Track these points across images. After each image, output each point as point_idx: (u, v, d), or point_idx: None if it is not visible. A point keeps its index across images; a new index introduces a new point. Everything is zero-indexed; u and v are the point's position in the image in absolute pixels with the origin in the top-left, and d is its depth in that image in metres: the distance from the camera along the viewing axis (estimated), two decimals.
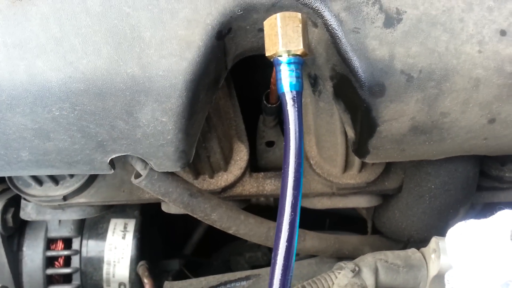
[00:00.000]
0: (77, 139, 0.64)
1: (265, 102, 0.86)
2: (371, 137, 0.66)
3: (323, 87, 0.78)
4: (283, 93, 0.52)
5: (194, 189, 0.77)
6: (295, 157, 0.49)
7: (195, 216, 0.79)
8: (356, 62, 0.60)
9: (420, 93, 0.61)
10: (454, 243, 0.57)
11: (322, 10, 0.59)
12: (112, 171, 0.71)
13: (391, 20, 0.59)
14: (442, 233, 0.95)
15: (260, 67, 0.92)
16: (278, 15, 0.51)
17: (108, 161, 0.68)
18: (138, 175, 0.74)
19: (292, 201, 0.47)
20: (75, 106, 0.60)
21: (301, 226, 0.52)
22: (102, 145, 0.65)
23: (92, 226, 1.15)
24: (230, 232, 0.82)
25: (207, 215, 0.78)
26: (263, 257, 1.37)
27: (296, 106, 0.51)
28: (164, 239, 1.40)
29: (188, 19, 0.59)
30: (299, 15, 0.52)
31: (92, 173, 0.75)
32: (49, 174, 0.86)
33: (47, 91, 0.59)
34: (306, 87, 0.81)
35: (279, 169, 1.03)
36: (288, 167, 0.48)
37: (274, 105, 0.86)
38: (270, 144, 1.02)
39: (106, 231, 1.15)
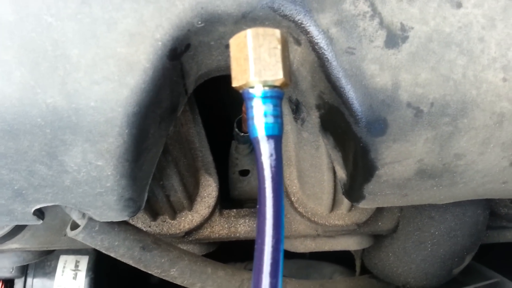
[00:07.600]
0: None
1: (237, 130, 0.71)
2: (368, 181, 0.53)
3: (307, 115, 0.64)
4: (256, 139, 0.38)
5: (148, 240, 0.62)
6: (272, 233, 0.34)
7: (149, 272, 0.64)
8: (350, 91, 0.46)
9: (431, 131, 0.48)
10: None
11: (307, 25, 0.46)
12: (41, 221, 0.56)
13: (395, 38, 0.46)
14: (443, 281, 0.84)
15: (229, 82, 0.77)
16: (249, 32, 0.37)
17: (32, 211, 0.53)
18: (75, 226, 0.59)
19: None
20: None
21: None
22: (20, 194, 0.50)
23: (38, 263, 1.00)
24: None
25: (164, 271, 0.63)
26: None
27: (274, 158, 0.37)
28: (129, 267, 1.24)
29: (130, 33, 0.44)
30: (277, 32, 0.38)
31: (16, 224, 0.59)
32: None
33: None
34: (286, 113, 0.67)
35: (254, 200, 0.89)
36: (264, 248, 0.34)
37: (248, 134, 0.72)
38: (245, 173, 0.89)
39: (54, 270, 1.01)
